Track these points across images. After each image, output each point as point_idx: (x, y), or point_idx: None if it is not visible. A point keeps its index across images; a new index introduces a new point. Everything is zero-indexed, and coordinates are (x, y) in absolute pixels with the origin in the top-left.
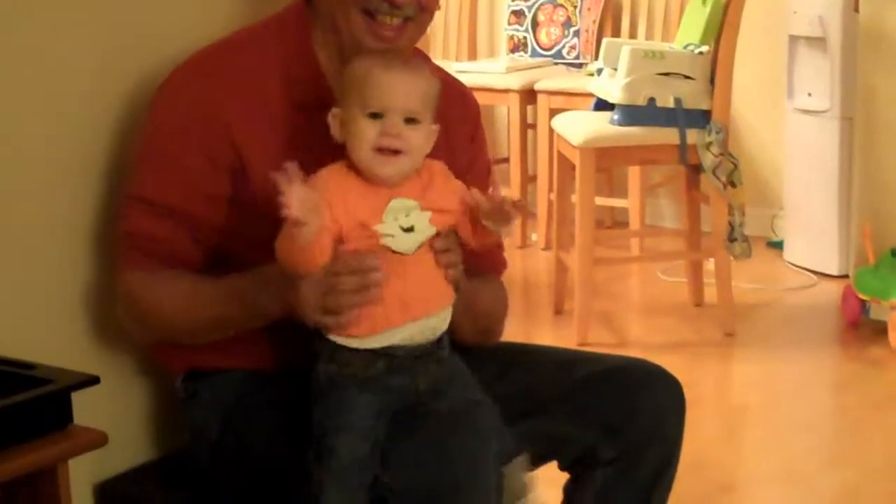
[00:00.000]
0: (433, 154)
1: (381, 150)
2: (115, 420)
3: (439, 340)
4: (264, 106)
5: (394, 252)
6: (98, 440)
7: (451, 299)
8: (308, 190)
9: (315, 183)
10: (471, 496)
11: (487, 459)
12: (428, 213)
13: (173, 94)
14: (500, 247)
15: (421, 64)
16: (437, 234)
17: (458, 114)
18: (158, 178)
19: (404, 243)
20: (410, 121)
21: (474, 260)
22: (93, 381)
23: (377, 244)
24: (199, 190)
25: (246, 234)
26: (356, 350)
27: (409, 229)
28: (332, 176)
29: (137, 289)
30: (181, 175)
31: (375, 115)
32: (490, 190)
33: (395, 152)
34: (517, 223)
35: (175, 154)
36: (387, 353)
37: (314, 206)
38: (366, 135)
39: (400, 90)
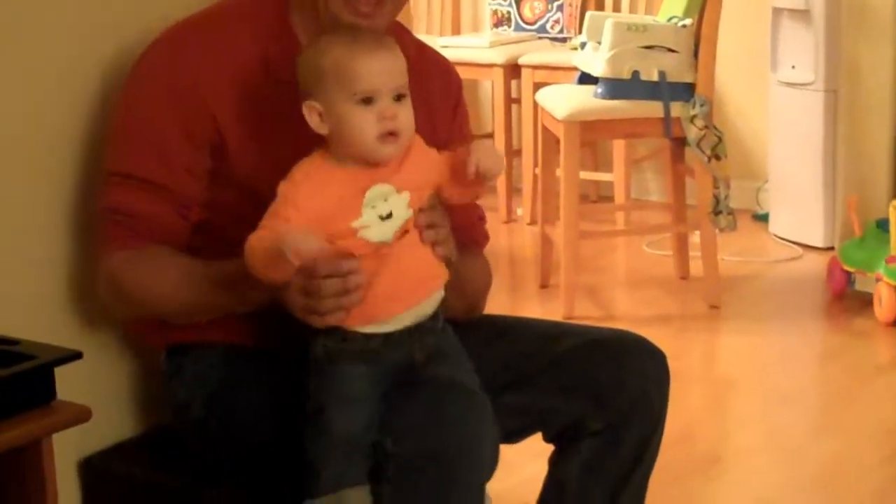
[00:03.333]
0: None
1: (383, 136)
2: (99, 395)
3: (434, 315)
4: (242, 80)
5: (375, 244)
6: (82, 415)
7: (443, 280)
8: (310, 236)
9: (291, 190)
10: (468, 459)
11: (484, 425)
12: (405, 195)
13: (149, 68)
14: (481, 219)
15: (387, 36)
16: (420, 209)
17: (439, 88)
18: (137, 153)
19: (382, 233)
20: (399, 98)
21: (456, 234)
22: (76, 356)
23: (357, 240)
24: (179, 163)
25: (227, 207)
26: (355, 331)
27: (388, 216)
28: (308, 177)
29: (122, 271)
30: (160, 149)
31: (367, 101)
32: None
33: (394, 133)
34: (503, 197)
35: (153, 128)
36: (383, 333)
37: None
38: (365, 123)
39: (386, 70)
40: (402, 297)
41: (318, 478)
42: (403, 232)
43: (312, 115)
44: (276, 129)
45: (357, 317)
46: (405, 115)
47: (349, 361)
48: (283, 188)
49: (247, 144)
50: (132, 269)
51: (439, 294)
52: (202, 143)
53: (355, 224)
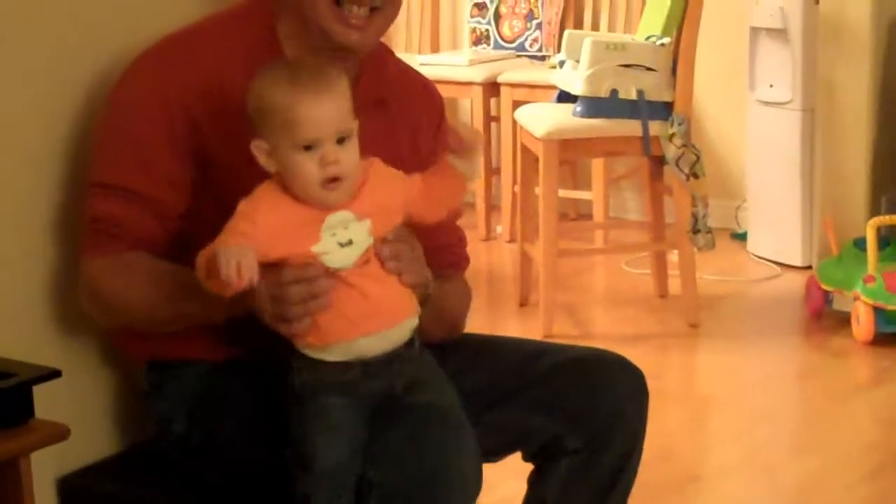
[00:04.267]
0: (397, 148)
1: (325, 182)
2: (78, 414)
3: (410, 342)
4: (227, 93)
5: (334, 270)
6: (60, 434)
7: (413, 309)
8: (245, 253)
9: (250, 207)
10: (451, 486)
11: (466, 450)
12: (366, 223)
13: (135, 80)
14: (461, 240)
15: (326, 65)
16: (383, 241)
17: (422, 108)
18: (120, 163)
19: (341, 259)
20: (342, 140)
21: (436, 257)
22: (54, 374)
23: (317, 264)
24: (161, 174)
25: (209, 218)
26: (328, 361)
27: (348, 243)
28: (268, 196)
29: (100, 277)
30: (143, 159)
31: (308, 147)
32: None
33: (338, 178)
34: (481, 213)
35: (137, 139)
36: (359, 361)
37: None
38: (307, 171)
39: (327, 115)
40: (366, 323)
41: None
42: (366, 260)
43: (260, 154)
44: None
45: (322, 336)
46: (348, 159)
47: (327, 393)
48: (242, 205)
49: (230, 156)
50: (109, 276)
51: (411, 322)
52: (185, 153)
53: (315, 249)
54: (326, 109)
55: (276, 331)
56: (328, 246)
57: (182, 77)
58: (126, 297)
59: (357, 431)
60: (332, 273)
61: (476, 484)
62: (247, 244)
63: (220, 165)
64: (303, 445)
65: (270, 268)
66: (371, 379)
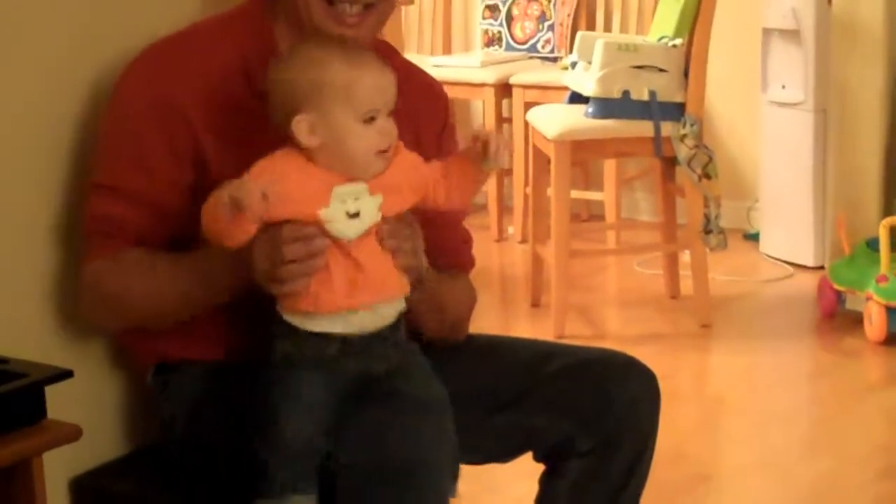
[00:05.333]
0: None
1: (381, 152)
2: (90, 414)
3: (395, 326)
4: (224, 95)
5: (334, 238)
6: (72, 434)
7: (403, 290)
8: (266, 184)
9: (264, 168)
10: (422, 472)
11: (442, 438)
12: (378, 198)
13: (133, 83)
14: (466, 242)
15: (370, 50)
16: (385, 220)
17: (426, 107)
18: (120, 166)
19: (346, 229)
20: (390, 113)
21: (440, 256)
22: (66, 374)
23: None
24: (161, 176)
25: None
26: (310, 332)
27: (355, 215)
28: (282, 161)
29: (100, 278)
30: (143, 162)
31: (370, 119)
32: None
33: (388, 149)
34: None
35: (136, 142)
36: (340, 337)
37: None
38: (366, 142)
39: (388, 88)
40: (358, 295)
41: (267, 479)
42: (367, 234)
43: (302, 129)
44: (257, 140)
45: (312, 302)
46: (395, 130)
47: (306, 368)
48: (257, 164)
49: (228, 156)
50: (109, 274)
51: (398, 304)
52: (185, 156)
53: (321, 213)
54: (388, 82)
55: (268, 290)
56: (336, 213)
57: (178, 78)
58: (128, 295)
59: (326, 409)
60: (331, 241)
61: (450, 474)
62: (261, 183)
63: (216, 166)
64: (267, 413)
65: (269, 226)
66: (349, 357)
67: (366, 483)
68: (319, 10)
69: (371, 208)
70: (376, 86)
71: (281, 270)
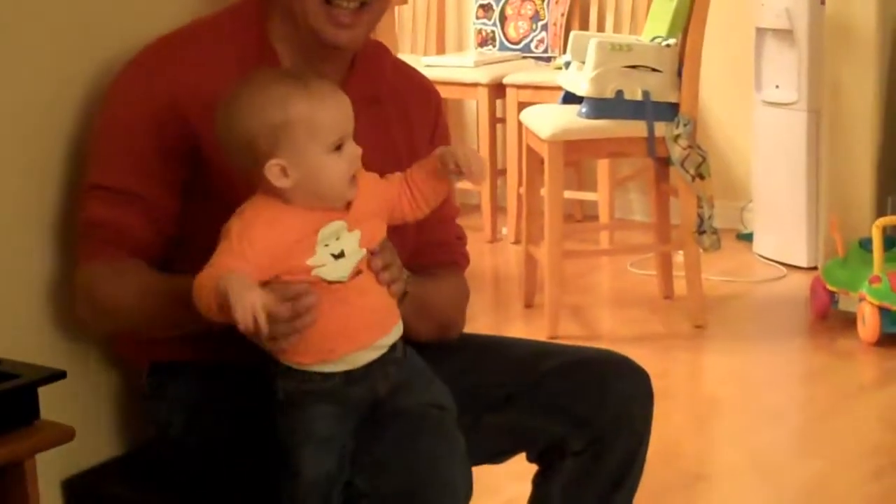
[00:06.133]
0: (393, 146)
1: (352, 178)
2: (83, 415)
3: (393, 346)
4: (219, 94)
5: (329, 283)
6: (65, 435)
7: (397, 317)
8: (252, 291)
9: (243, 228)
10: (441, 492)
11: (455, 457)
12: (356, 233)
13: (128, 83)
14: (460, 238)
15: (308, 69)
16: (371, 253)
17: (418, 105)
18: (114, 165)
19: (336, 271)
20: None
21: (433, 255)
22: (59, 375)
23: (312, 278)
24: (156, 176)
25: (201, 220)
26: (312, 371)
27: (340, 255)
28: (260, 215)
29: (94, 283)
30: (137, 161)
31: (338, 147)
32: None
33: (357, 174)
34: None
35: (130, 142)
36: (343, 372)
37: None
38: (339, 171)
39: (347, 112)
40: (357, 336)
41: None
42: (357, 272)
43: (276, 172)
44: (239, 172)
45: (310, 355)
46: (361, 151)
47: (311, 402)
48: (234, 225)
49: (222, 157)
50: (103, 281)
51: (398, 328)
52: (179, 155)
53: (310, 262)
54: (346, 106)
55: (260, 344)
56: (323, 258)
57: (174, 79)
58: (119, 304)
59: (343, 441)
60: (327, 286)
61: (465, 489)
62: (249, 273)
63: (211, 166)
64: (289, 456)
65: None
66: (353, 385)
67: None
68: (315, 10)
69: (353, 245)
70: (338, 112)
71: (273, 329)
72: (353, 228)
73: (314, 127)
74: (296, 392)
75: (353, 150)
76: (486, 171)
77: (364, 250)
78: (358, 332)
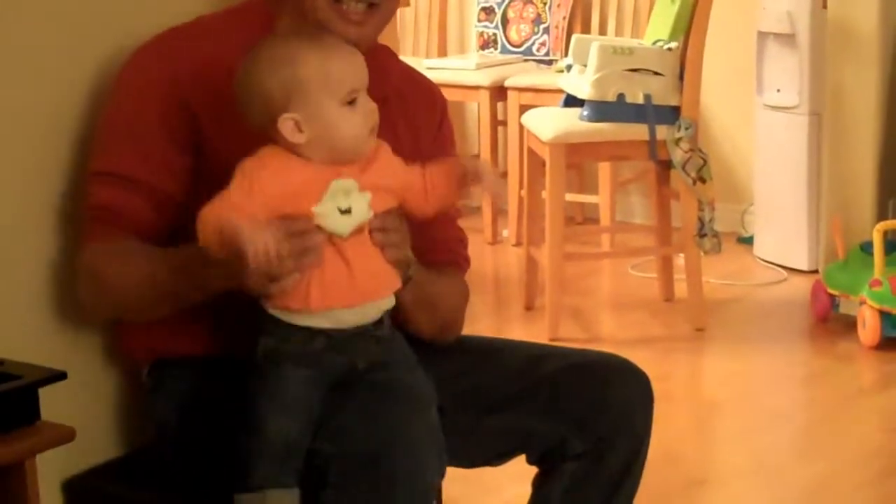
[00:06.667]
0: (399, 147)
1: (370, 132)
2: (83, 415)
3: (380, 321)
4: (226, 84)
5: (330, 234)
6: (66, 435)
7: (392, 287)
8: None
9: (253, 167)
10: (409, 459)
11: (424, 424)
12: (367, 195)
13: (133, 71)
14: (461, 241)
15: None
16: (375, 214)
17: (424, 109)
18: (119, 152)
19: (339, 225)
20: (366, 91)
21: (433, 254)
22: (60, 376)
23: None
24: (160, 161)
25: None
26: (296, 326)
27: (347, 211)
28: (275, 158)
29: (97, 260)
30: (141, 146)
31: (353, 102)
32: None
33: (374, 128)
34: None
35: (136, 130)
36: (326, 332)
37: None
38: (354, 124)
39: (361, 66)
40: (346, 294)
41: (247, 475)
42: (359, 230)
43: (289, 127)
44: (253, 133)
45: (298, 299)
46: (377, 107)
47: (290, 364)
48: (248, 164)
49: (227, 145)
50: (105, 259)
51: (386, 302)
52: (184, 142)
53: (315, 209)
54: (359, 59)
55: (259, 292)
56: (328, 209)
57: (180, 67)
58: (120, 280)
59: (310, 406)
60: (325, 238)
61: (438, 459)
62: (253, 214)
63: (215, 154)
64: (253, 412)
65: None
66: (334, 352)
67: (355, 471)
68: (324, 7)
69: (362, 205)
70: (350, 65)
71: (275, 267)
72: (365, 190)
73: (326, 80)
74: (276, 350)
75: (368, 105)
76: (506, 198)
77: (371, 213)
78: (348, 289)
